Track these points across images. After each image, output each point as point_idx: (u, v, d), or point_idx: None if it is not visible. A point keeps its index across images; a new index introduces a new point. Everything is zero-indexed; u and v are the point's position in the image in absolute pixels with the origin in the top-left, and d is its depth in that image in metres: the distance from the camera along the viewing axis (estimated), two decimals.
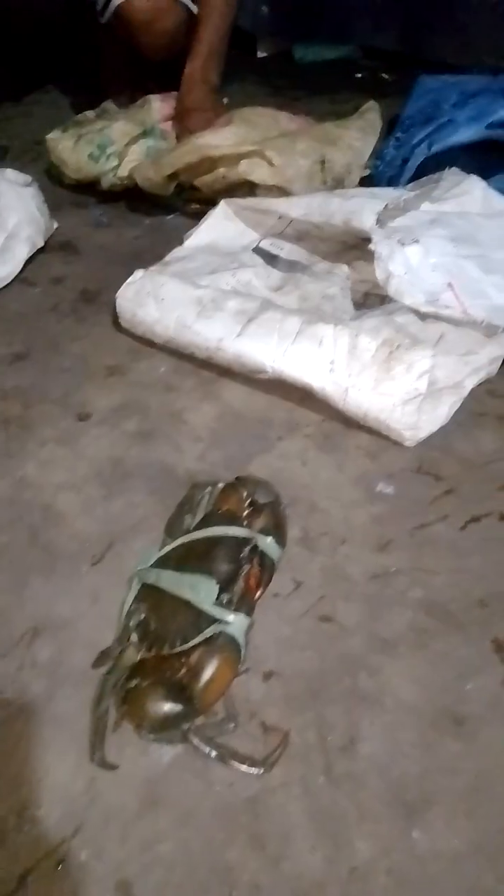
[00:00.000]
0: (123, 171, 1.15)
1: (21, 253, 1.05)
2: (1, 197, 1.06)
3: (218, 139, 1.09)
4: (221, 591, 0.56)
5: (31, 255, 1.07)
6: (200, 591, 0.56)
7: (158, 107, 1.24)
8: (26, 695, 0.58)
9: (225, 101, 1.27)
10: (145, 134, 1.18)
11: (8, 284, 1.04)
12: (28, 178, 1.12)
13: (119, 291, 0.92)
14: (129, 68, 1.44)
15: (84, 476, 0.77)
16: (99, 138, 1.16)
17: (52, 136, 1.21)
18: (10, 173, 1.11)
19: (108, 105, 1.30)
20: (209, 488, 0.72)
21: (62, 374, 0.90)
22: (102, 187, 1.18)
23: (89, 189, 1.23)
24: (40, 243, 1.08)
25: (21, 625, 0.63)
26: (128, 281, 0.93)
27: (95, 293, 1.04)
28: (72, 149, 1.19)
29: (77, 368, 0.91)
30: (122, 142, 1.16)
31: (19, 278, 1.06)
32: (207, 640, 0.55)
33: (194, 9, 1.28)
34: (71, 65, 1.65)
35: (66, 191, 1.26)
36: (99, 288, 1.04)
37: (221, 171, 1.09)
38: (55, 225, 1.14)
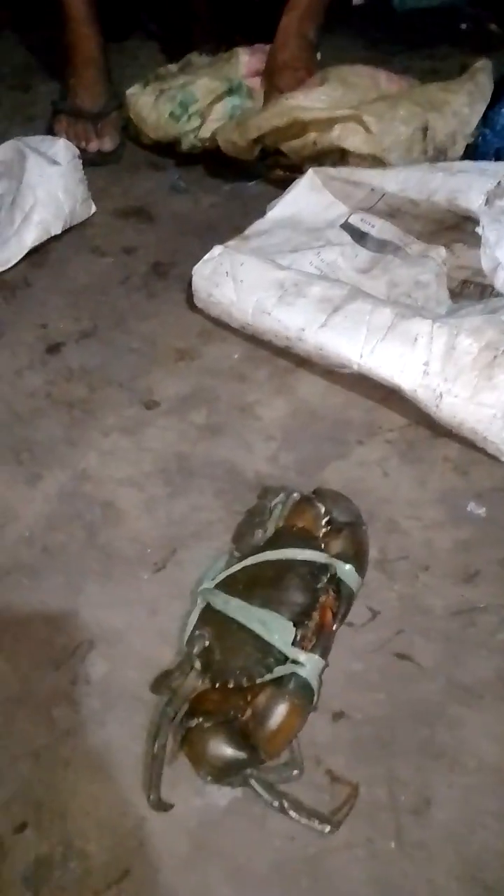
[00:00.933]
0: (205, 133, 1.07)
1: (27, 239, 0.95)
2: (26, 174, 0.96)
3: (310, 101, 0.99)
4: (295, 626, 0.51)
5: (39, 242, 0.96)
6: (273, 629, 0.50)
7: (246, 61, 1.14)
8: (78, 715, 0.55)
9: (318, 56, 1.16)
10: (231, 91, 1.09)
11: (78, 254, 0.99)
12: (73, 149, 1.01)
13: (195, 268, 0.86)
14: (217, 18, 1.34)
15: (147, 472, 0.72)
16: (181, 95, 1.08)
17: (132, 92, 1.13)
18: (49, 144, 1.00)
19: (193, 57, 1.21)
20: (281, 496, 0.66)
21: (130, 356, 0.85)
22: (182, 149, 1.10)
23: (168, 150, 1.15)
24: (56, 230, 0.97)
25: (76, 635, 0.59)
26: (205, 257, 0.86)
27: (168, 266, 0.97)
28: (152, 105, 1.11)
29: (145, 350, 0.86)
30: (205, 100, 1.07)
31: (90, 247, 1.00)
32: (276, 681, 0.50)
33: None
34: (155, 14, 1.56)
35: (143, 151, 1.18)
36: (172, 261, 0.98)
37: (312, 136, 0.99)
38: (92, 209, 1.04)
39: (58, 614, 0.61)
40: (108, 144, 1.17)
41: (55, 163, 0.99)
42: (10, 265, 0.95)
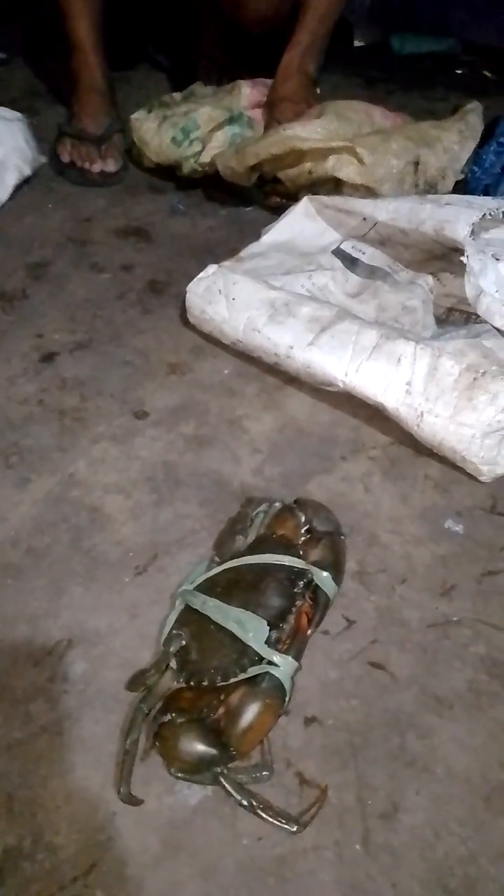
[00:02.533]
0: (205, 158, 1.11)
1: (10, 179, 1.13)
2: None
3: (307, 132, 1.03)
4: (271, 628, 0.52)
5: (20, 182, 1.14)
6: (249, 628, 0.51)
7: (248, 93, 1.18)
8: (54, 711, 0.55)
9: (317, 91, 1.21)
10: (231, 121, 1.13)
11: (77, 269, 1.01)
12: (18, 114, 1.18)
13: (190, 286, 0.88)
14: (222, 52, 1.39)
15: (135, 479, 0.74)
16: (184, 122, 1.12)
17: (137, 116, 1.17)
18: (2, 110, 1.17)
19: (197, 88, 1.25)
20: (264, 507, 0.67)
21: (123, 368, 0.87)
22: (182, 173, 1.14)
23: (168, 174, 1.19)
24: (28, 172, 1.15)
25: (55, 634, 0.60)
26: (199, 276, 0.88)
27: (164, 284, 1.00)
28: (155, 130, 1.15)
29: (138, 363, 0.88)
30: (206, 127, 1.11)
31: (90, 263, 1.03)
32: (250, 680, 0.51)
33: None
34: (161, 44, 1.62)
35: (144, 174, 1.22)
36: (168, 279, 1.01)
37: (308, 165, 1.03)
38: (43, 159, 1.19)
39: (39, 614, 0.62)
40: (111, 166, 1.21)
41: (10, 120, 1.15)
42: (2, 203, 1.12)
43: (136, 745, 0.51)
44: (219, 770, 0.50)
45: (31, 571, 0.65)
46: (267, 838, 0.50)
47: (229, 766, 0.50)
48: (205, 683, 0.51)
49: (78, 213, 1.13)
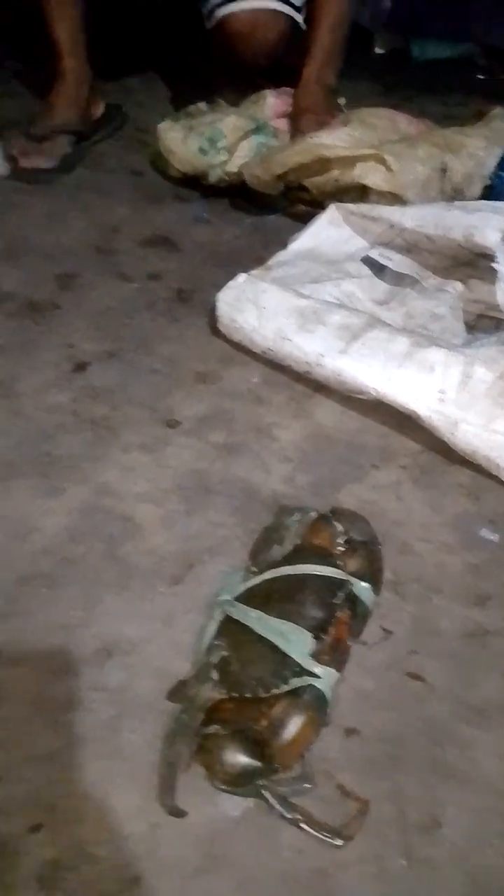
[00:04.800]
0: (232, 167, 1.12)
1: None
2: None
3: (333, 140, 1.04)
4: (312, 638, 0.52)
5: None
6: (291, 639, 0.51)
7: (273, 103, 1.19)
8: (92, 721, 0.55)
9: (342, 101, 1.22)
10: (257, 130, 1.14)
11: (105, 279, 1.02)
12: None
13: (219, 294, 0.89)
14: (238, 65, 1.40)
15: (166, 488, 0.74)
16: (210, 131, 1.13)
17: (163, 126, 1.18)
18: None
19: (221, 98, 1.26)
20: (297, 516, 0.67)
21: (152, 377, 0.87)
22: (208, 182, 1.15)
23: (193, 183, 1.20)
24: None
25: (92, 643, 0.60)
26: (229, 284, 0.89)
27: (191, 293, 1.00)
28: (181, 140, 1.16)
29: (167, 371, 0.88)
30: (232, 136, 1.12)
31: (117, 272, 1.04)
32: (292, 692, 0.50)
33: (299, 19, 1.24)
34: (181, 56, 1.63)
35: (169, 183, 1.23)
36: (195, 287, 1.01)
37: (334, 173, 1.04)
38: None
39: (75, 623, 0.62)
40: (43, 163, 1.22)
41: None
42: None
43: (179, 757, 0.51)
44: (261, 782, 0.49)
45: (66, 580, 0.65)
46: (308, 851, 0.50)
47: (271, 777, 0.50)
48: (247, 695, 0.51)
49: (103, 222, 1.14)
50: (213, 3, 1.24)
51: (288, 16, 1.22)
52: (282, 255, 0.98)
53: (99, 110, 1.37)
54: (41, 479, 0.74)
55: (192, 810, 0.51)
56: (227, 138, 1.13)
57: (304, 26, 1.24)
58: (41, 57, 1.31)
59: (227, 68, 1.40)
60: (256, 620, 0.54)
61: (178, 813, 0.50)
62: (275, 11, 1.21)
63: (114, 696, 0.57)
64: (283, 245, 1.02)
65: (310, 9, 1.23)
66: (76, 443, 0.79)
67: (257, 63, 1.28)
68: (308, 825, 0.49)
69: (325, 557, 0.60)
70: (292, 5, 1.23)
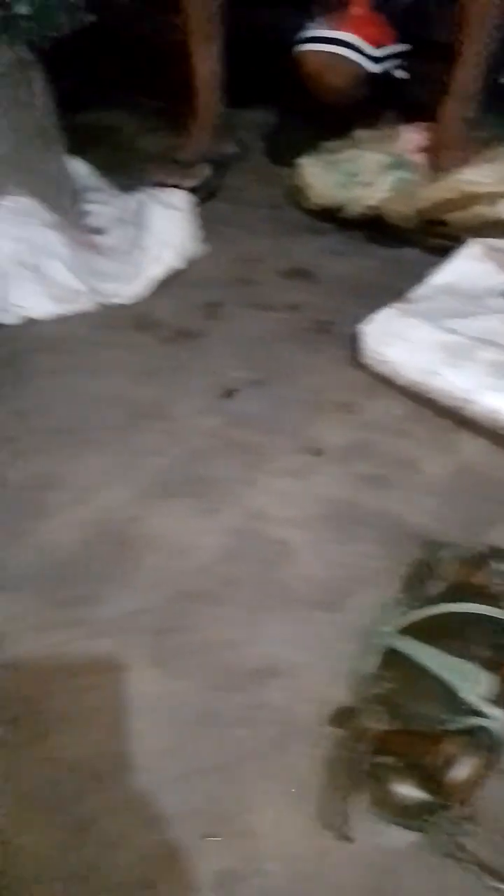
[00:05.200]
0: (370, 201, 1.14)
1: (154, 272, 1.10)
2: (152, 219, 1.12)
3: (478, 176, 1.05)
4: (486, 679, 0.52)
5: (164, 277, 1.10)
6: (465, 678, 0.52)
7: (410, 138, 1.21)
8: (259, 739, 0.58)
9: (484, 134, 1.22)
10: (396, 165, 1.16)
11: (248, 309, 1.07)
12: (187, 201, 1.16)
13: (364, 327, 0.91)
14: (374, 98, 1.44)
15: (315, 515, 0.76)
16: (350, 166, 1.16)
17: (303, 161, 1.23)
18: (173, 197, 1.16)
19: (358, 133, 1.29)
20: (449, 552, 0.68)
21: (296, 405, 0.90)
22: (346, 215, 1.18)
23: (328, 216, 1.23)
24: (177, 265, 1.12)
25: (254, 662, 0.63)
26: (374, 318, 0.91)
27: (330, 324, 1.03)
28: (319, 174, 1.20)
29: (310, 401, 0.91)
30: (372, 171, 1.15)
31: (259, 303, 1.08)
32: (466, 732, 0.51)
33: (371, 67, 1.28)
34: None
35: (305, 216, 1.27)
36: (334, 319, 1.04)
37: (478, 208, 1.04)
38: (204, 249, 1.17)
39: (238, 641, 0.65)
40: (186, 183, 1.28)
41: (175, 208, 1.13)
42: (137, 297, 1.08)
43: (349, 784, 0.52)
44: (429, 818, 0.50)
45: (227, 599, 0.68)
46: (474, 893, 0.50)
47: (440, 814, 0.50)
48: (418, 730, 0.52)
49: (244, 254, 1.19)
50: (298, 39, 1.32)
51: (356, 62, 1.28)
52: (422, 290, 0.99)
53: (230, 146, 1.45)
54: (197, 500, 0.78)
55: (359, 838, 0.52)
56: (366, 173, 1.16)
57: (403, 75, 1.30)
58: (175, 95, 1.40)
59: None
60: (427, 655, 0.55)
61: (347, 839, 0.51)
62: (344, 58, 1.27)
63: (277, 715, 0.60)
64: (419, 278, 1.03)
65: (452, 44, 1.25)
66: (227, 466, 0.82)
67: (330, 102, 1.33)
68: (475, 866, 0.49)
69: (487, 597, 0.60)
70: (366, 55, 1.28)
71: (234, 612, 0.67)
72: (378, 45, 1.27)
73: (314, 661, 0.63)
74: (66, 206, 1.14)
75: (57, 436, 0.87)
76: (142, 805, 0.54)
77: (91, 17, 1.88)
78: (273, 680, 0.62)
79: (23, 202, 1.01)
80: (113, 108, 1.75)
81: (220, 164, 1.39)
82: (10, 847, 0.53)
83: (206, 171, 1.34)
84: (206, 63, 1.32)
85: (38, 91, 1.12)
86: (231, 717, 0.59)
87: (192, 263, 1.16)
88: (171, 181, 1.29)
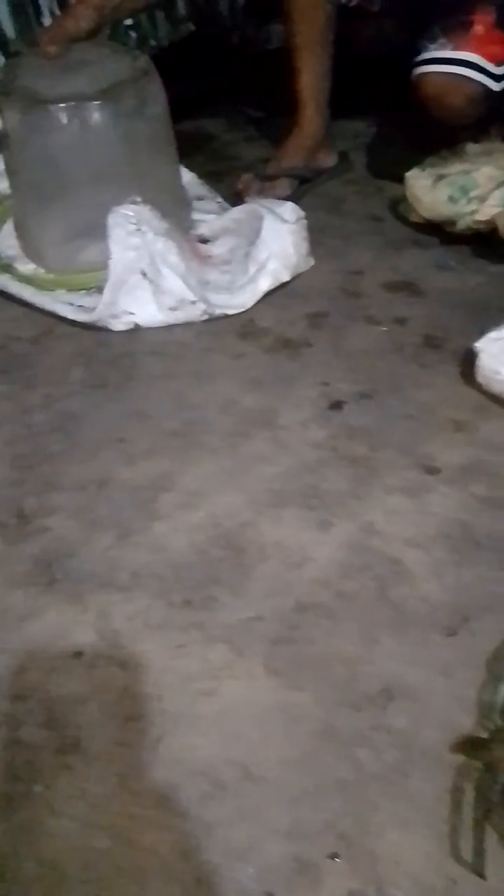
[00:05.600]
0: (482, 216, 1.12)
1: (263, 284, 1.09)
2: (263, 230, 1.11)
3: None
4: None
5: (271, 288, 1.09)
6: None
7: None
8: (381, 761, 0.57)
9: None
10: None
11: (354, 321, 1.06)
12: (300, 213, 1.14)
13: (480, 345, 0.89)
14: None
15: (432, 536, 0.75)
16: (463, 181, 1.14)
17: (412, 174, 1.21)
18: (285, 209, 1.13)
19: (469, 147, 1.27)
20: None
21: (406, 421, 0.89)
22: (455, 230, 1.16)
23: (433, 229, 1.22)
24: (285, 278, 1.11)
25: (373, 682, 0.62)
26: (491, 335, 0.89)
27: (440, 340, 1.01)
28: (429, 188, 1.18)
29: (421, 417, 0.89)
30: (486, 186, 1.12)
31: (364, 315, 1.07)
32: None
33: (494, 86, 1.25)
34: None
35: (408, 229, 1.26)
36: (443, 335, 1.02)
37: None
38: (311, 262, 1.15)
39: (355, 658, 0.64)
40: (267, 198, 1.27)
41: (286, 221, 1.12)
42: (245, 308, 1.08)
43: (483, 817, 0.51)
44: None
45: (343, 614, 0.68)
46: None
47: None
48: None
49: (348, 266, 1.18)
50: (416, 60, 1.30)
51: (479, 82, 1.25)
52: None
53: (331, 159, 1.44)
54: (309, 511, 0.78)
55: (492, 874, 0.50)
56: (480, 188, 1.13)
57: None
58: (279, 105, 1.41)
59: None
60: None
61: (481, 876, 0.49)
62: (467, 78, 1.25)
63: (399, 739, 0.58)
64: None
65: None
66: (339, 479, 0.82)
67: (450, 123, 1.30)
68: None
69: None
70: (489, 74, 1.25)
71: (349, 628, 0.67)
72: (499, 63, 1.25)
73: (434, 685, 0.62)
74: (177, 215, 1.16)
75: (167, 438, 0.88)
76: (266, 817, 0.54)
77: (191, 27, 1.92)
78: (392, 702, 0.61)
79: (138, 210, 1.03)
80: (211, 117, 1.78)
81: (307, 180, 1.38)
82: (133, 845, 0.54)
83: (286, 189, 1.33)
84: (312, 76, 1.32)
85: (155, 100, 1.14)
86: (351, 735, 0.59)
87: (297, 274, 1.16)
88: (250, 195, 1.30)
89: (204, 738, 0.59)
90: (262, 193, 1.31)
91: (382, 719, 0.60)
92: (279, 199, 1.28)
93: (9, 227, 1.22)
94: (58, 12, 1.54)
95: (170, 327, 1.06)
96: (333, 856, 0.52)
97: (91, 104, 1.05)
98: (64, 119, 1.05)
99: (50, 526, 0.78)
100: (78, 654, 0.66)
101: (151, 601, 0.70)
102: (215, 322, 1.07)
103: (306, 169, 1.37)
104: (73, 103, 1.05)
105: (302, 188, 1.38)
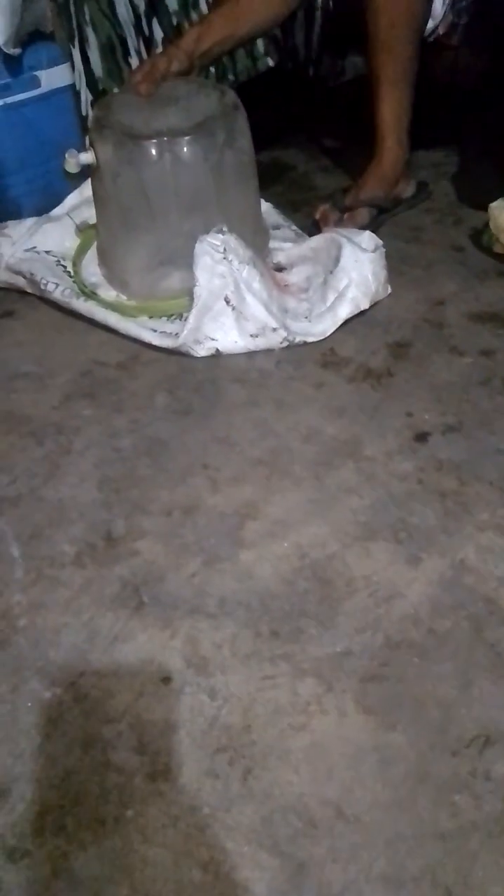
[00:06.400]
0: None
1: (343, 312, 1.09)
2: (342, 258, 1.11)
3: None
4: None
5: (350, 316, 1.09)
6: None
7: None
8: (481, 810, 0.55)
9: None
10: None
11: (437, 352, 1.05)
12: (378, 242, 1.14)
13: None
14: None
15: None
16: None
17: (496, 205, 1.21)
18: (363, 238, 1.13)
19: None
20: None
21: (497, 456, 0.87)
22: None
23: None
24: (365, 306, 1.10)
25: (470, 726, 0.60)
26: None
27: None
28: None
29: None
30: None
31: (448, 346, 1.06)
32: None
33: None
34: (492, 128, 1.66)
35: (489, 259, 1.25)
36: None
37: None
38: (388, 290, 1.15)
39: (449, 701, 0.63)
40: (351, 224, 1.30)
41: (365, 250, 1.12)
42: (325, 336, 1.09)
43: None
44: None
45: (436, 654, 0.66)
46: None
47: None
48: None
49: (430, 295, 1.18)
50: None
51: None
52: None
53: (410, 189, 1.45)
54: (398, 545, 0.77)
55: None
56: None
57: None
58: (355, 136, 1.43)
59: None
60: None
61: None
62: None
63: (500, 788, 0.56)
64: None
65: None
66: (428, 513, 0.80)
67: None
68: None
69: None
70: None
71: (443, 669, 0.65)
72: None
73: None
74: (258, 244, 1.18)
75: (251, 466, 0.89)
76: (361, 860, 0.53)
77: (270, 63, 1.97)
78: (491, 748, 0.59)
79: (225, 239, 1.06)
80: (288, 148, 1.82)
81: (385, 210, 1.39)
82: (227, 881, 0.53)
83: (365, 219, 1.34)
84: (395, 108, 1.32)
85: (241, 134, 1.17)
86: (449, 781, 0.57)
87: (376, 302, 1.16)
88: (328, 225, 1.31)
89: (295, 774, 0.59)
90: (341, 224, 1.32)
91: (481, 766, 0.58)
92: (358, 228, 1.30)
93: (91, 254, 1.27)
94: (144, 53, 1.61)
95: (250, 355, 1.08)
96: None
97: (182, 139, 1.09)
98: (155, 153, 1.10)
99: (138, 549, 0.80)
100: (167, 680, 0.67)
101: (239, 630, 0.70)
102: (295, 350, 1.08)
103: (386, 199, 1.38)
104: (164, 138, 1.09)
105: (380, 218, 1.38)
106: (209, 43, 1.21)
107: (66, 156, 1.17)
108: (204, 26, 1.23)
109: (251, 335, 1.07)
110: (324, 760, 0.59)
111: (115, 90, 1.53)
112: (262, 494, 0.85)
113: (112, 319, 1.15)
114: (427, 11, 1.33)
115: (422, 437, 0.91)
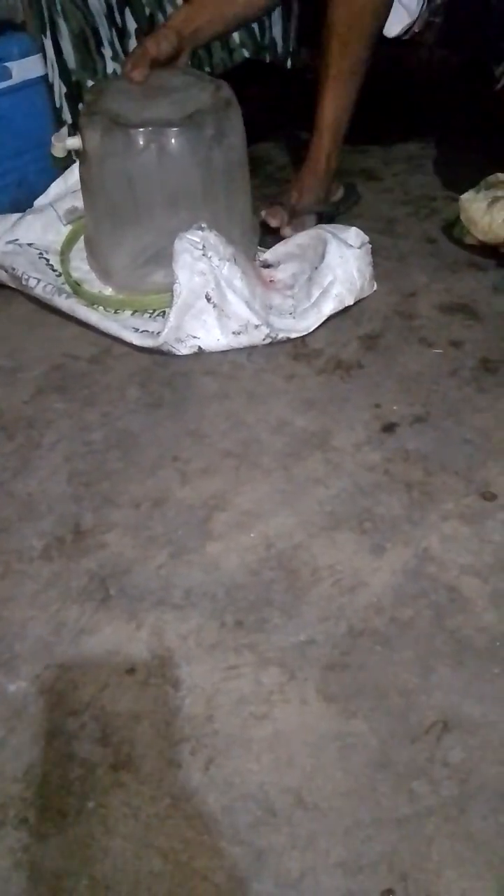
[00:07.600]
0: None
1: (326, 308, 1.08)
2: (328, 255, 1.10)
3: None
4: None
5: (334, 312, 1.08)
6: None
7: None
8: (437, 795, 0.56)
9: None
10: None
11: (407, 343, 1.06)
12: (364, 238, 1.12)
13: None
14: None
15: (490, 564, 0.73)
16: None
17: (466, 197, 1.21)
18: (349, 234, 1.12)
19: None
20: None
21: (463, 446, 0.88)
22: None
23: (487, 251, 1.21)
24: (349, 302, 1.10)
25: (429, 713, 0.61)
26: None
27: (498, 363, 1.00)
28: (485, 210, 1.17)
29: (479, 442, 0.88)
30: None
31: (418, 337, 1.07)
32: None
33: None
34: (466, 121, 1.67)
35: (460, 251, 1.25)
36: (501, 358, 1.01)
37: None
38: (374, 286, 1.14)
39: (410, 688, 0.63)
40: (285, 231, 1.26)
41: (351, 246, 1.10)
42: (309, 332, 1.08)
43: None
44: None
45: (398, 642, 0.67)
46: None
47: None
48: None
49: (401, 287, 1.18)
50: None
51: None
52: None
53: (339, 192, 1.42)
54: (363, 535, 0.78)
55: None
56: None
57: None
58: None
59: None
60: None
61: None
62: None
63: (456, 773, 0.57)
64: None
65: None
66: (393, 503, 0.81)
67: None
68: None
69: None
70: None
71: (405, 657, 0.66)
72: None
73: (494, 719, 0.60)
74: (246, 243, 1.17)
75: (221, 458, 0.89)
76: (319, 847, 0.53)
77: (245, 54, 1.96)
78: (449, 734, 0.59)
79: (204, 236, 1.04)
80: (265, 141, 1.81)
81: (324, 216, 1.33)
82: (186, 869, 0.53)
83: (314, 222, 1.30)
84: (335, 105, 1.24)
85: (233, 130, 1.14)
86: (407, 768, 0.57)
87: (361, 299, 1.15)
88: (273, 223, 1.28)
89: (256, 763, 0.59)
90: (286, 225, 1.28)
91: (438, 752, 0.58)
92: (295, 229, 1.27)
93: (78, 245, 1.24)
94: (118, 44, 1.59)
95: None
96: (388, 892, 0.51)
97: (169, 130, 1.05)
98: (142, 142, 1.06)
99: (106, 542, 0.80)
100: (131, 671, 0.67)
101: (204, 621, 0.70)
102: (269, 343, 1.08)
103: (327, 205, 1.34)
104: (151, 128, 1.05)
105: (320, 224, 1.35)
106: (199, 21, 1.17)
107: (53, 139, 1.14)
108: (194, 5, 1.19)
109: (234, 332, 1.06)
110: (285, 749, 0.60)
111: (89, 82, 1.52)
112: (231, 486, 0.85)
113: (93, 318, 1.11)
114: (387, 12, 1.28)
115: (389, 428, 0.91)
